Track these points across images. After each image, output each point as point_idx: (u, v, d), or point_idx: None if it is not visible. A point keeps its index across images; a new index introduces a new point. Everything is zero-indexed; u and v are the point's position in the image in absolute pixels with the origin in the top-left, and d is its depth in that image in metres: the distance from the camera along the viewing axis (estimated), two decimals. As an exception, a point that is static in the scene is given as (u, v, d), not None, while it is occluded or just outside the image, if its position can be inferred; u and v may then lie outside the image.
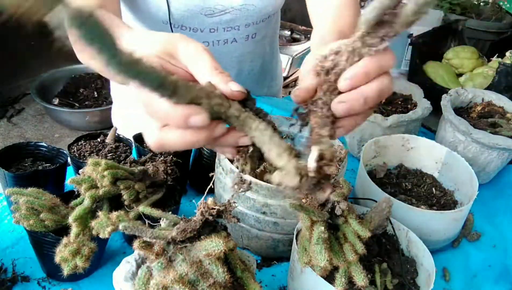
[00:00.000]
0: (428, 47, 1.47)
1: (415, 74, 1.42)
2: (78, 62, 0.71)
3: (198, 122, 0.38)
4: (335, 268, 0.56)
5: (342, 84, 0.41)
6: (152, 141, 0.40)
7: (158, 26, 0.93)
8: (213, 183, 0.52)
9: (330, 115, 0.42)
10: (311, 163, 0.40)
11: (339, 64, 0.41)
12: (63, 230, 0.60)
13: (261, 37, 1.07)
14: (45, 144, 0.81)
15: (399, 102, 1.06)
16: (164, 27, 0.93)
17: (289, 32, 3.07)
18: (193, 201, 0.51)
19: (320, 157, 0.40)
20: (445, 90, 1.08)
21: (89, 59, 0.68)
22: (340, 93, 0.42)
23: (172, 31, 0.93)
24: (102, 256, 0.71)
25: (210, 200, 0.52)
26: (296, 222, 0.65)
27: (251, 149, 0.44)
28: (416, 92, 1.08)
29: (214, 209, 0.51)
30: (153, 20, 0.93)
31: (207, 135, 0.39)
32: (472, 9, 2.29)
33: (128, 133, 0.87)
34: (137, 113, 0.91)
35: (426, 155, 0.94)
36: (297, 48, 2.89)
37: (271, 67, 1.23)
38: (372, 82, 0.41)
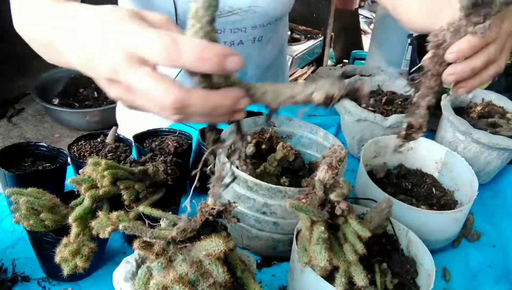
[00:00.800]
0: (428, 47, 1.47)
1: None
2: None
3: (236, 64, 0.34)
4: (335, 268, 0.56)
5: (448, 56, 0.49)
6: (170, 99, 0.33)
7: None
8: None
9: (435, 85, 0.50)
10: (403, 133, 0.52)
11: (446, 40, 0.48)
12: (63, 230, 0.60)
13: (267, 40, 1.07)
14: (45, 144, 0.81)
15: (399, 102, 1.05)
16: None
17: (289, 32, 3.06)
18: (193, 201, 0.51)
19: (409, 126, 0.51)
20: (445, 90, 1.08)
21: (27, 27, 0.63)
22: (448, 65, 0.49)
23: None
24: (102, 256, 0.71)
25: (210, 200, 0.52)
26: (296, 222, 0.64)
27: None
28: (416, 92, 1.07)
29: (214, 209, 0.51)
30: None
31: (231, 102, 0.36)
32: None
33: (131, 131, 0.87)
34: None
35: (426, 155, 0.94)
36: (297, 48, 2.89)
37: (275, 72, 1.22)
38: (478, 53, 0.48)
